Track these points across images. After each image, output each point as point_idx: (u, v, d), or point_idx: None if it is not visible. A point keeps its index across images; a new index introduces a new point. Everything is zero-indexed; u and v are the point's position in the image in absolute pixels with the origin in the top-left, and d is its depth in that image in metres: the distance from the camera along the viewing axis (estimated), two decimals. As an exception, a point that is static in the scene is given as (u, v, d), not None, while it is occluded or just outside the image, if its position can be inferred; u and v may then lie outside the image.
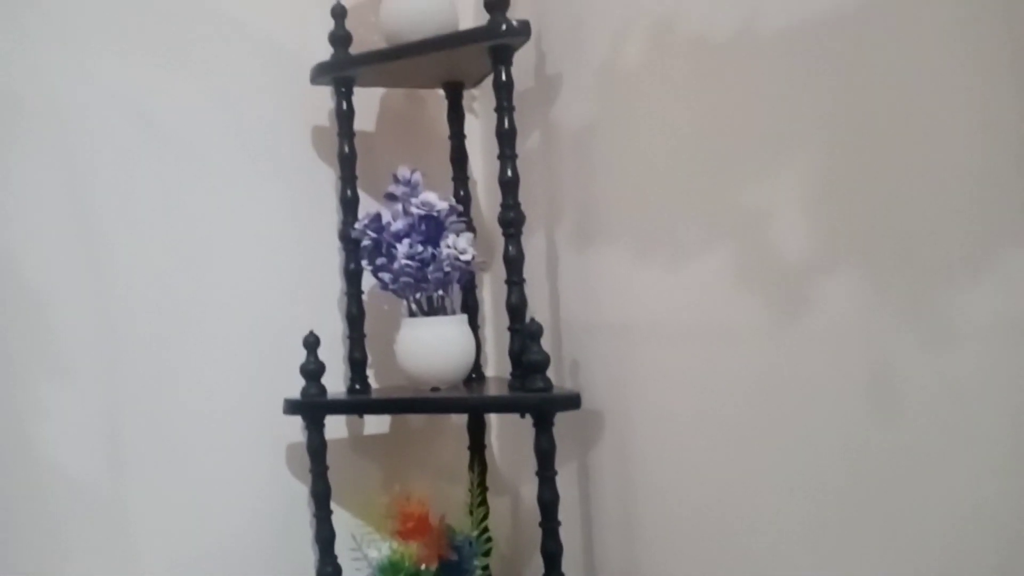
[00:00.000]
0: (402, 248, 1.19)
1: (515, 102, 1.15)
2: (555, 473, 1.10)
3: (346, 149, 1.26)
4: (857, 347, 0.77)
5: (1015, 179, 0.63)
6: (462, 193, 1.34)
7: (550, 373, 1.12)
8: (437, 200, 1.20)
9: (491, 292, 1.44)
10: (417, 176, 1.23)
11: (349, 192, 1.27)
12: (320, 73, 1.25)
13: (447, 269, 1.19)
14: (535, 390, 1.09)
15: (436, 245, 1.20)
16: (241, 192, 1.28)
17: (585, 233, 1.19)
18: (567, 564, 1.11)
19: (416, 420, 1.43)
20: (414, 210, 1.20)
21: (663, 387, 1.04)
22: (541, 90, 1.27)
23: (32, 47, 1.16)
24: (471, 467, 1.33)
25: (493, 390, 1.23)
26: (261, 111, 1.30)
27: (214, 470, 1.24)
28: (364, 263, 1.25)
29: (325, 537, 1.23)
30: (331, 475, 1.24)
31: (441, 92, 1.36)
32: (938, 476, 0.70)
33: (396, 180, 1.23)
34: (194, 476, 1.23)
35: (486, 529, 1.25)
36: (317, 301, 1.34)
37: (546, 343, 1.13)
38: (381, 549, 1.23)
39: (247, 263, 1.29)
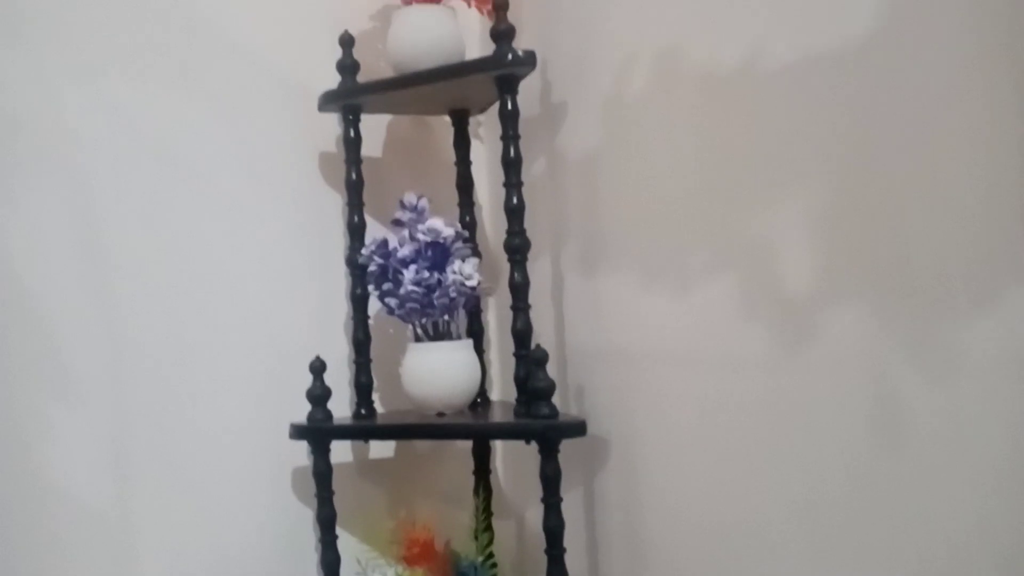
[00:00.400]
0: (408, 274, 1.20)
1: (521, 129, 1.16)
2: (560, 500, 1.10)
3: (353, 176, 1.28)
4: (861, 376, 0.77)
5: (1018, 214, 0.64)
6: (468, 218, 1.35)
7: (555, 398, 1.12)
8: (443, 226, 1.21)
9: (496, 315, 1.45)
10: (423, 202, 1.24)
11: (356, 218, 1.28)
12: (328, 101, 1.27)
13: (453, 295, 1.20)
14: (540, 417, 1.10)
15: (442, 271, 1.21)
16: (249, 216, 1.30)
17: (590, 259, 1.20)
18: (573, 591, 1.11)
19: (421, 444, 1.43)
20: (420, 236, 1.21)
21: (669, 414, 1.04)
22: (547, 117, 1.29)
23: (43, 72, 1.17)
24: (476, 492, 1.33)
25: (498, 416, 1.23)
26: (269, 137, 1.32)
27: (220, 493, 1.25)
28: (371, 288, 1.26)
29: (330, 562, 1.23)
30: (336, 499, 1.24)
31: (447, 119, 1.37)
32: (940, 504, 0.71)
33: (403, 206, 1.25)
34: (200, 499, 1.23)
35: (491, 555, 1.25)
36: (324, 325, 1.35)
37: (551, 368, 1.14)
38: (386, 574, 1.23)
39: (254, 287, 1.30)
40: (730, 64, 0.91)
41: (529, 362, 1.13)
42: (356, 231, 1.28)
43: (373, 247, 1.24)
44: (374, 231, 1.30)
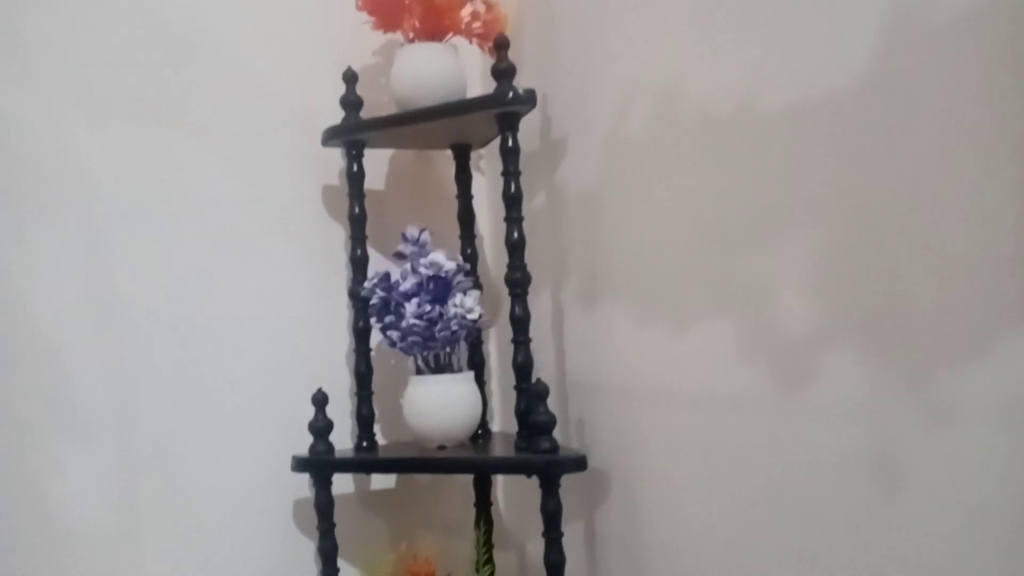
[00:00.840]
0: (410, 307, 1.21)
1: (521, 163, 1.18)
2: (561, 534, 1.10)
3: (356, 210, 1.29)
4: (858, 422, 0.78)
5: (1014, 263, 0.65)
6: (469, 251, 1.37)
7: (557, 432, 1.13)
8: (445, 260, 1.22)
9: (497, 346, 1.46)
10: (425, 236, 1.25)
11: (359, 251, 1.29)
12: (331, 136, 1.29)
13: (454, 328, 1.21)
14: (541, 451, 1.10)
15: (443, 304, 1.22)
16: (253, 250, 1.31)
17: (591, 294, 1.21)
18: (573, 626, 1.11)
19: (423, 476, 1.44)
20: (422, 270, 1.22)
21: (669, 450, 1.05)
22: (547, 152, 1.30)
23: (52, 112, 1.20)
24: (477, 524, 1.34)
25: (499, 450, 1.24)
26: (273, 172, 1.33)
27: (224, 526, 1.26)
28: (373, 321, 1.27)
29: (332, 595, 1.23)
30: (338, 531, 1.25)
31: (449, 152, 1.39)
32: (941, 552, 0.71)
33: (405, 239, 1.26)
34: (205, 531, 1.24)
35: (493, 587, 1.25)
36: (326, 357, 1.36)
37: (552, 402, 1.15)
38: (388, 607, 1.23)
39: (258, 320, 1.31)
40: (728, 106, 0.92)
41: (530, 396, 1.14)
42: (359, 264, 1.29)
43: (375, 280, 1.25)
44: (377, 263, 1.32)
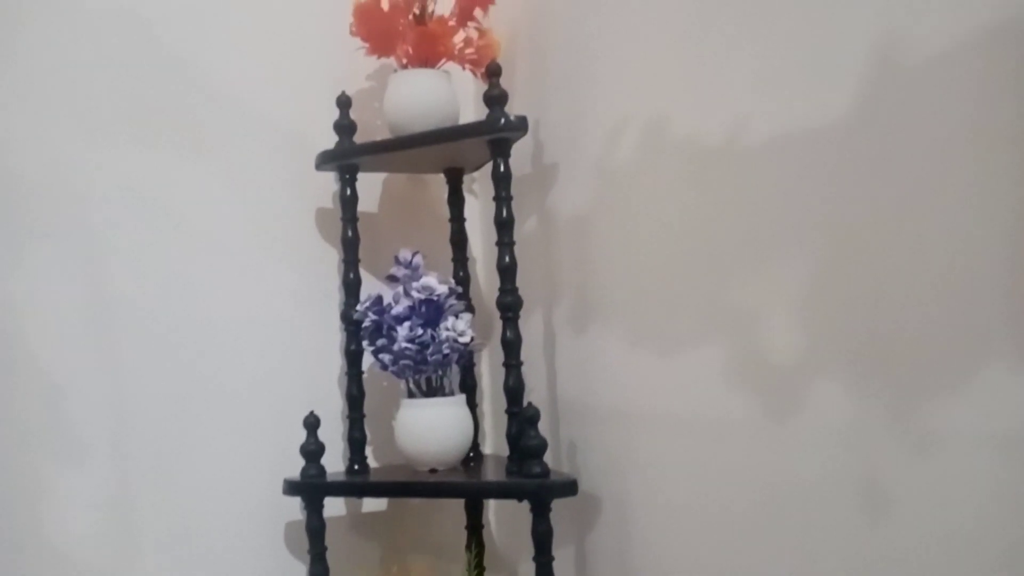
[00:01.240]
0: (402, 331, 1.21)
1: (513, 187, 1.19)
2: (552, 558, 1.11)
3: (349, 233, 1.30)
4: (844, 449, 0.79)
5: (997, 296, 0.66)
6: (461, 273, 1.37)
7: (548, 455, 1.13)
8: (437, 284, 1.23)
9: (489, 368, 1.47)
10: (418, 259, 1.26)
11: (352, 275, 1.30)
12: (325, 160, 1.30)
13: (446, 351, 1.22)
14: (532, 476, 1.11)
15: (435, 327, 1.22)
16: (246, 273, 1.32)
17: (582, 317, 1.22)
18: (564, 650, 1.11)
19: (414, 499, 1.44)
20: (414, 293, 1.23)
21: (659, 474, 1.06)
22: (538, 177, 1.31)
23: (48, 134, 1.21)
24: (469, 547, 1.34)
25: (491, 473, 1.24)
26: (267, 194, 1.34)
27: (216, 549, 1.26)
28: (365, 344, 1.27)
29: (323, 619, 1.23)
30: (329, 554, 1.24)
31: (442, 176, 1.40)
32: (926, 581, 0.72)
33: (398, 262, 1.27)
34: (197, 553, 1.25)
35: (484, 611, 1.25)
36: (318, 379, 1.36)
37: (544, 425, 1.15)
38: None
39: (251, 342, 1.31)
40: (715, 137, 0.94)
41: (521, 420, 1.15)
42: (351, 287, 1.30)
43: (368, 303, 1.25)
44: (369, 286, 1.32)
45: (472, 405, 1.33)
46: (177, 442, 1.25)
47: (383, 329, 1.25)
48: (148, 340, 1.24)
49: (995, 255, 0.66)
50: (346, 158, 1.28)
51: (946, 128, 0.69)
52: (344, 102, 1.29)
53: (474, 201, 1.48)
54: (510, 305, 1.18)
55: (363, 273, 1.32)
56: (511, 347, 1.18)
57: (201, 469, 1.26)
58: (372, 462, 1.34)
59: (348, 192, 1.30)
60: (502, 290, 1.18)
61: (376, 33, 1.28)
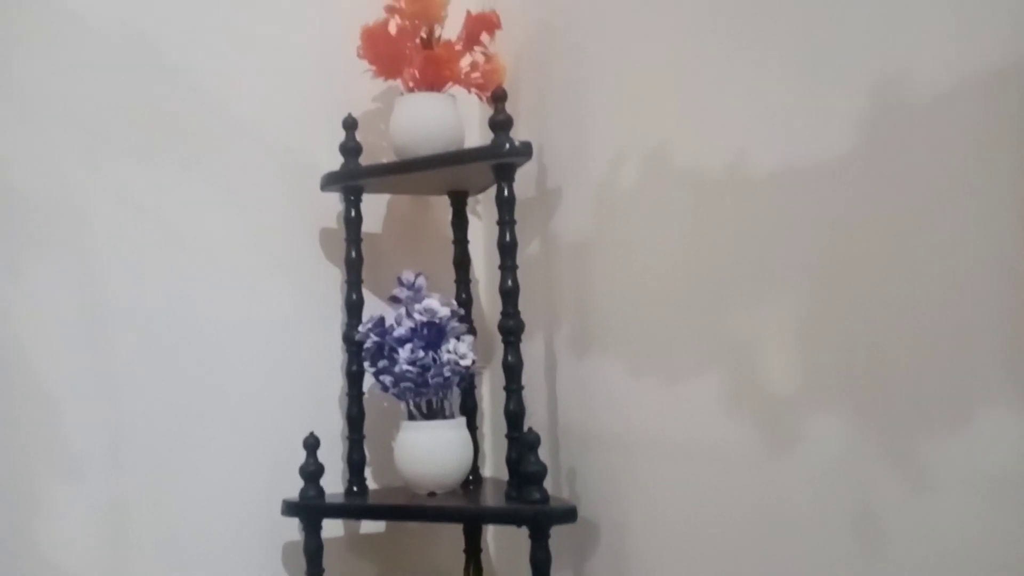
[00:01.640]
0: (404, 353, 1.21)
1: (517, 210, 1.20)
2: (550, 585, 1.10)
3: (353, 254, 1.30)
4: (841, 483, 0.79)
5: (996, 335, 0.66)
6: (464, 295, 1.38)
7: (548, 480, 1.13)
8: (439, 307, 1.23)
9: (490, 391, 1.46)
10: (421, 280, 1.26)
11: (355, 296, 1.30)
12: (330, 182, 1.30)
13: (447, 374, 1.22)
14: (531, 501, 1.10)
15: (437, 350, 1.23)
16: (250, 293, 1.32)
17: (582, 342, 1.22)
18: None
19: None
20: (417, 316, 1.23)
21: (658, 503, 1.05)
22: (542, 201, 1.32)
23: (48, 148, 1.21)
24: (467, 570, 1.33)
25: (490, 498, 1.24)
26: (272, 214, 1.35)
27: (214, 569, 1.25)
28: (366, 365, 1.27)
29: (318, 642, 1.22)
30: (326, 575, 1.24)
31: (446, 197, 1.41)
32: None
33: (400, 283, 1.27)
34: (195, 573, 1.24)
35: (480, 636, 1.24)
36: (318, 400, 1.36)
37: (544, 450, 1.15)
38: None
39: (252, 360, 1.31)
40: (716, 169, 0.94)
41: (521, 445, 1.14)
42: (354, 308, 1.30)
43: (370, 324, 1.26)
44: (372, 307, 1.32)
45: (472, 427, 1.33)
46: (174, 459, 1.24)
47: (384, 350, 1.25)
48: (147, 356, 1.24)
49: (994, 293, 0.66)
50: (351, 180, 1.29)
51: (945, 165, 0.70)
52: (350, 124, 1.30)
53: (477, 223, 1.48)
54: (512, 329, 1.18)
55: (366, 293, 1.32)
56: (512, 371, 1.18)
57: (198, 487, 1.25)
58: (371, 483, 1.34)
59: (352, 213, 1.30)
60: (504, 314, 1.19)
61: (383, 56, 1.29)
